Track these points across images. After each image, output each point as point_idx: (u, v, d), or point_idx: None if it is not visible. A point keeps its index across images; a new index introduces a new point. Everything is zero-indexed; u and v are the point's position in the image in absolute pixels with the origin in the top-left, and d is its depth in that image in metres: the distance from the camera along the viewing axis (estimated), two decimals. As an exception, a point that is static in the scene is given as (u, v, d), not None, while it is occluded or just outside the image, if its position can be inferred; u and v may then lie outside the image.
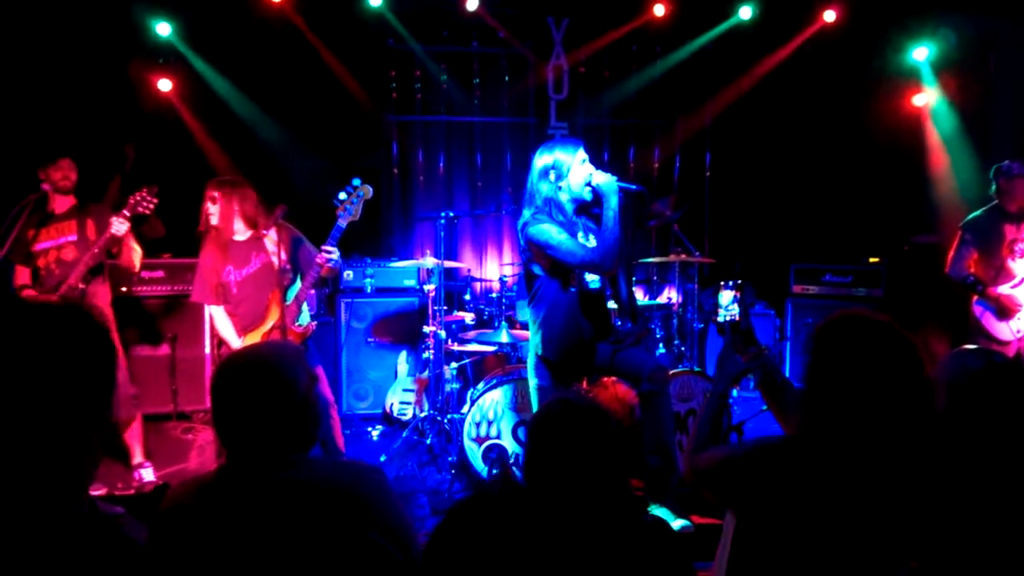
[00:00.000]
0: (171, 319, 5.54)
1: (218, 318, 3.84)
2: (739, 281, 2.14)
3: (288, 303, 3.72)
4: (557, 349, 3.48)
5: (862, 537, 1.52)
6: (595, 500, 1.54)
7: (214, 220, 3.74)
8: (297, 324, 3.73)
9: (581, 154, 3.42)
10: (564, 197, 3.42)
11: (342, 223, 3.67)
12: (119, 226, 3.79)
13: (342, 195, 3.69)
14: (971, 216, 4.56)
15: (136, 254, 4.03)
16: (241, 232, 3.80)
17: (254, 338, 3.74)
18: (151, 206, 3.84)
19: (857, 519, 1.53)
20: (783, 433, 1.78)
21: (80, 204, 4.07)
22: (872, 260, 5.90)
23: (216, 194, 3.73)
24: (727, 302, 2.13)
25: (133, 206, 3.81)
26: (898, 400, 1.54)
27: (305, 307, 3.85)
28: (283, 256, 3.72)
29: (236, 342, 3.80)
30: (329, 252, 3.62)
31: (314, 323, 3.89)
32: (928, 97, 6.21)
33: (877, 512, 1.52)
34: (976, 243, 4.49)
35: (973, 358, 1.93)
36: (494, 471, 4.07)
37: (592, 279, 3.52)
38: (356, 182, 3.72)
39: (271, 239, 3.80)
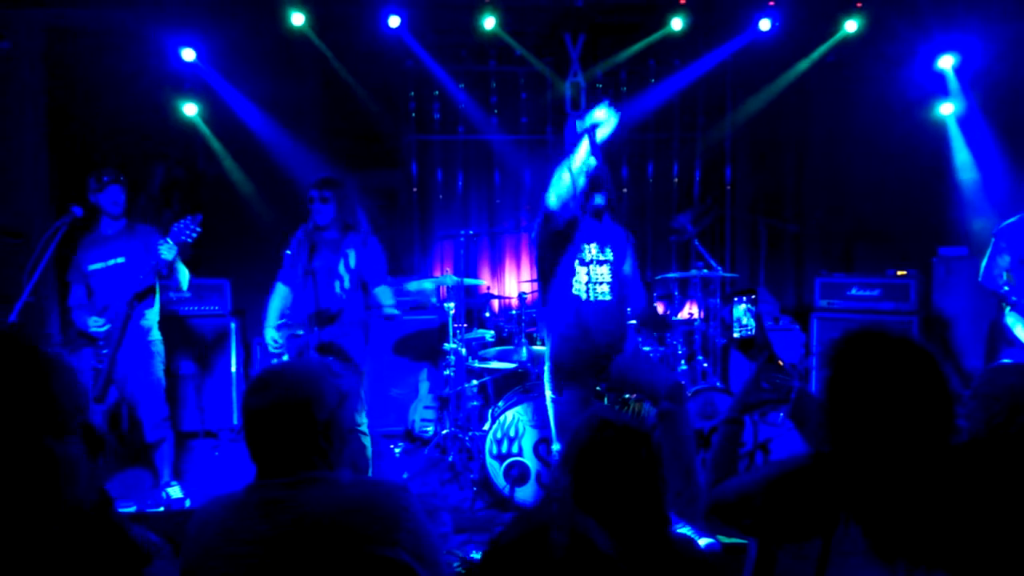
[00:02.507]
0: (198, 338, 5.61)
1: (275, 295, 3.96)
2: (753, 296, 2.10)
3: (327, 327, 3.76)
4: (567, 352, 3.50)
5: (887, 556, 1.49)
6: (634, 520, 1.54)
7: (320, 220, 3.81)
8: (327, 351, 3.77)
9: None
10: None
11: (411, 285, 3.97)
12: (168, 252, 3.86)
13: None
14: (1006, 223, 4.48)
15: (184, 276, 4.11)
16: (326, 231, 3.87)
17: (283, 334, 3.84)
18: (195, 234, 3.90)
19: (882, 537, 1.50)
20: (803, 452, 1.75)
21: (130, 224, 4.16)
22: (900, 273, 5.80)
23: (328, 194, 3.80)
24: (741, 315, 2.09)
25: (177, 234, 3.86)
26: (919, 414, 1.51)
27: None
28: (351, 278, 3.82)
29: (270, 324, 3.90)
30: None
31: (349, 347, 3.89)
32: (954, 106, 6.12)
33: (902, 528, 1.49)
34: (1011, 250, 4.40)
35: (1011, 374, 1.89)
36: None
37: (602, 291, 3.51)
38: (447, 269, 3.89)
39: (347, 256, 3.86)
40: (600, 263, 3.54)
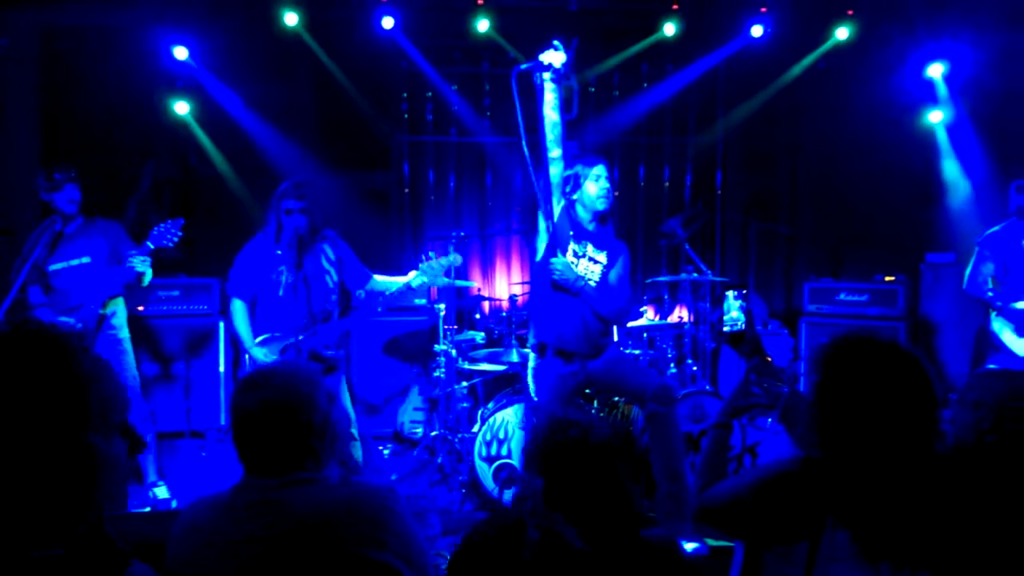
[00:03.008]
0: (185, 338, 5.58)
1: (238, 314, 3.78)
2: (744, 291, 2.12)
3: (326, 325, 3.72)
4: (546, 327, 3.56)
5: (872, 559, 1.50)
6: (608, 523, 1.54)
7: (302, 228, 3.64)
8: (326, 350, 3.72)
9: (598, 170, 3.53)
10: (579, 207, 3.57)
11: (414, 282, 3.70)
12: (141, 266, 3.81)
13: (431, 253, 3.73)
14: (989, 231, 4.54)
15: (147, 274, 4.00)
16: (295, 238, 3.70)
17: (276, 347, 3.69)
18: (176, 239, 3.86)
19: (867, 540, 1.51)
20: (791, 456, 1.76)
21: (88, 219, 4.08)
22: (888, 279, 5.84)
23: (306, 204, 3.66)
24: (733, 310, 2.11)
25: (157, 238, 3.82)
26: (906, 419, 1.53)
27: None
28: (334, 276, 3.77)
29: (251, 344, 3.72)
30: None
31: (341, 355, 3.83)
32: (943, 113, 6.18)
33: (887, 532, 1.50)
34: (995, 258, 4.46)
35: (997, 379, 1.91)
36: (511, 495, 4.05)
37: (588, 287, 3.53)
38: (450, 250, 3.81)
39: (327, 254, 3.79)
40: (593, 261, 3.57)
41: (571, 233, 3.54)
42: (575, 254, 3.55)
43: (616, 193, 6.59)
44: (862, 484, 1.53)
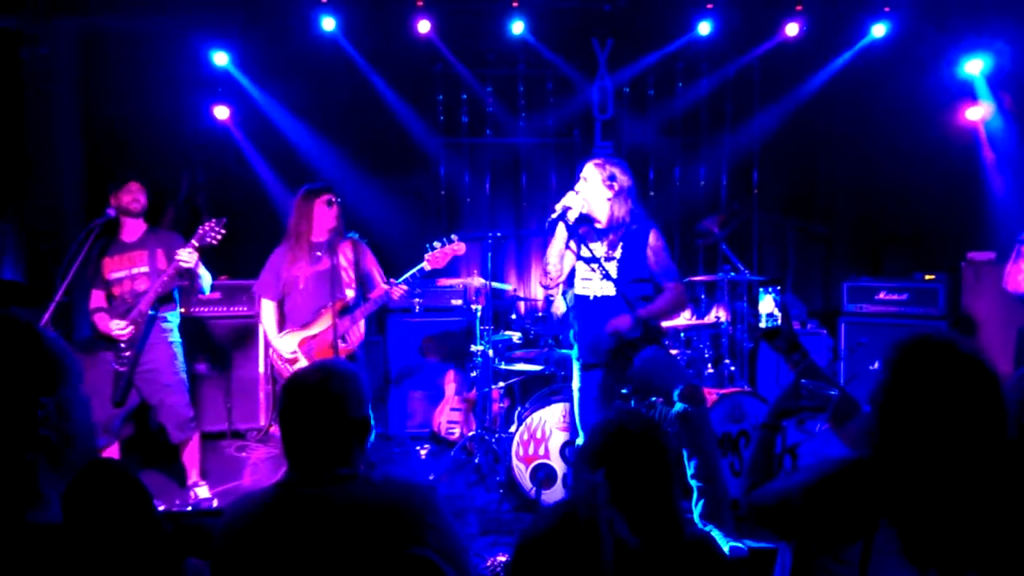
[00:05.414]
0: (226, 339, 5.67)
1: (266, 312, 4.10)
2: (779, 287, 2.11)
3: (343, 318, 3.87)
4: (586, 347, 3.60)
5: (921, 563, 1.49)
6: (651, 519, 1.55)
7: (339, 222, 3.96)
8: (341, 341, 3.84)
9: (584, 171, 3.63)
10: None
11: (425, 267, 3.95)
12: (188, 258, 3.92)
13: (436, 244, 3.98)
14: None
15: (206, 280, 4.15)
16: (322, 235, 4.00)
17: (295, 338, 3.93)
18: (219, 236, 3.97)
19: (918, 543, 1.49)
20: (841, 456, 1.73)
21: (150, 230, 4.19)
22: (928, 277, 5.74)
23: (334, 198, 3.95)
24: (768, 306, 2.10)
25: (202, 236, 3.94)
26: (975, 434, 1.49)
27: (361, 324, 4.03)
28: (351, 273, 3.97)
29: (275, 338, 4.01)
30: (401, 288, 3.93)
31: (355, 343, 4.00)
32: (983, 110, 6.06)
33: (938, 535, 1.49)
34: None
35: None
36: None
37: (604, 290, 3.55)
38: (453, 237, 4.04)
39: (345, 253, 4.00)
40: (607, 259, 3.57)
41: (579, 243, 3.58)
42: (585, 260, 3.56)
43: (652, 193, 6.65)
44: (921, 490, 1.50)
